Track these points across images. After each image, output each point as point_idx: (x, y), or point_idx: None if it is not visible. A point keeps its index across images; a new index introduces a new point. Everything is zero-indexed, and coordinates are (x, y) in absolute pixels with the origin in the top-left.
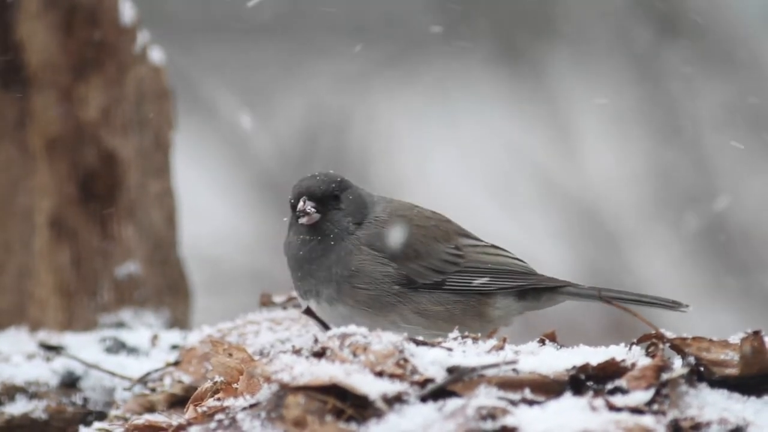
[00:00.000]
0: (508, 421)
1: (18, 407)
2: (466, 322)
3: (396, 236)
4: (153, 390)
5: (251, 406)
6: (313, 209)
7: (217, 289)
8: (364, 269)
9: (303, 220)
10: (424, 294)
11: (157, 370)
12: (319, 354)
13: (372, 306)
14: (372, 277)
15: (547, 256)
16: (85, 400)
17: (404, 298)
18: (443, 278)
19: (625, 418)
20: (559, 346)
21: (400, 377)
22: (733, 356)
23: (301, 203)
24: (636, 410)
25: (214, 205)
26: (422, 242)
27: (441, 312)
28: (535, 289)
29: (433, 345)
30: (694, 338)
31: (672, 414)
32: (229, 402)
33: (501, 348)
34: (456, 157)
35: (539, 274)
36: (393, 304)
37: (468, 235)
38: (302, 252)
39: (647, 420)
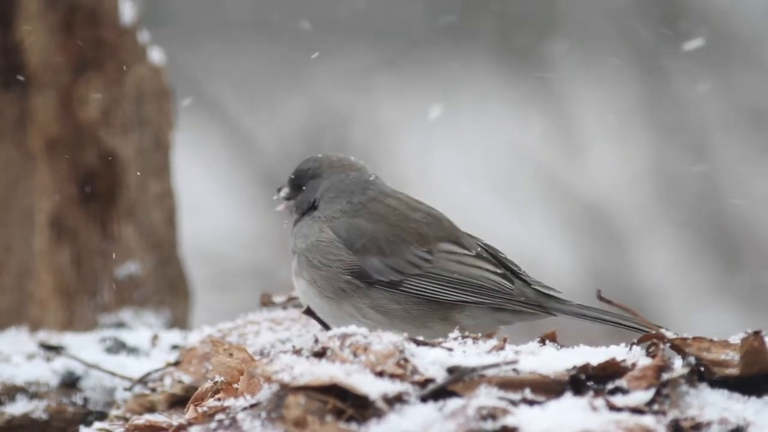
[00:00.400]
0: (508, 421)
1: (18, 407)
2: (428, 324)
3: (361, 228)
4: (153, 390)
5: (252, 406)
6: (283, 196)
7: (219, 287)
8: (319, 247)
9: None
10: (380, 290)
11: (157, 370)
12: (320, 354)
13: (326, 288)
14: (326, 257)
15: (549, 255)
16: (86, 400)
17: (358, 290)
18: (401, 279)
19: (626, 418)
20: (559, 346)
21: (401, 377)
22: (733, 356)
23: (283, 189)
24: (636, 410)
25: (216, 203)
26: (389, 240)
27: (398, 311)
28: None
29: (433, 345)
30: (694, 338)
31: (672, 414)
32: (230, 402)
33: (501, 348)
34: (458, 156)
35: (512, 293)
36: (346, 292)
37: (456, 242)
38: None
39: (648, 420)
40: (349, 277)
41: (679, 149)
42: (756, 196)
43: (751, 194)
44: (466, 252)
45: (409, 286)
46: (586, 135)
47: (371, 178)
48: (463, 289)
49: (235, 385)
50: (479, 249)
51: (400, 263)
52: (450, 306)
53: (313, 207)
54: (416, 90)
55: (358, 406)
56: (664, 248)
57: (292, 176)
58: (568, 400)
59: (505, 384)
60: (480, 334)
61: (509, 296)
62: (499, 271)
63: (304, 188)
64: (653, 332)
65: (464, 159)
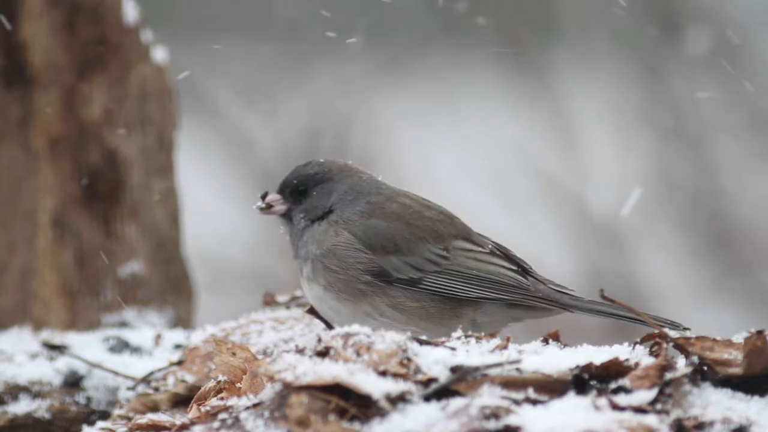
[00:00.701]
0: (511, 420)
1: (21, 406)
2: (445, 322)
3: (379, 228)
4: (156, 389)
5: (254, 405)
6: (274, 203)
7: (220, 287)
8: (336, 251)
9: (260, 212)
10: (399, 288)
11: (160, 370)
12: (323, 353)
13: (343, 291)
14: (344, 261)
15: (549, 255)
16: (89, 399)
17: (377, 289)
18: (421, 276)
19: (629, 417)
20: (562, 346)
21: (404, 376)
22: (736, 355)
23: (269, 196)
24: (639, 410)
25: (218, 203)
26: (406, 238)
27: (417, 309)
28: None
29: (436, 344)
30: (697, 337)
31: (675, 413)
32: (233, 401)
33: (504, 347)
34: (458, 156)
35: (530, 289)
36: (364, 292)
37: (469, 239)
38: (290, 233)
39: (650, 419)
40: (369, 277)
41: (678, 150)
42: (756, 195)
43: (751, 195)
44: (480, 249)
45: (428, 283)
46: (587, 135)
47: (380, 179)
48: (482, 285)
49: (238, 385)
50: (491, 246)
51: (418, 261)
52: (467, 303)
53: (329, 211)
54: (417, 90)
55: (361, 406)
56: (663, 248)
57: (295, 182)
58: (571, 399)
59: (508, 383)
60: (483, 333)
61: (527, 292)
62: (513, 267)
63: (314, 193)
64: (656, 332)
65: (464, 159)
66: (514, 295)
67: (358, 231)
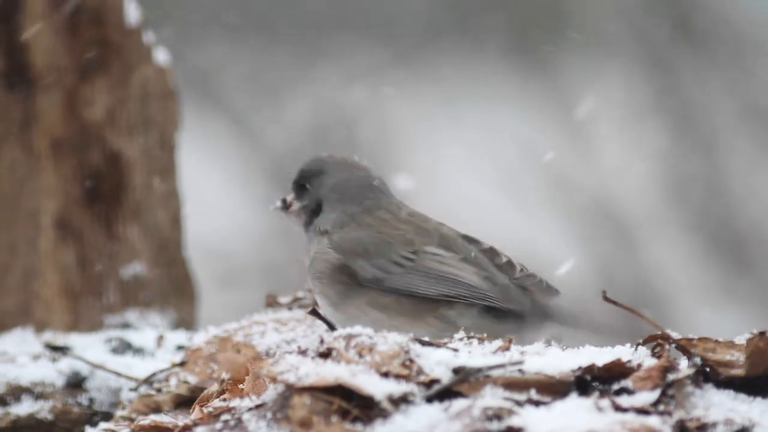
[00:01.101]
0: (513, 421)
1: (24, 408)
2: (424, 322)
3: (350, 234)
4: (159, 390)
5: (257, 406)
6: (290, 200)
7: (226, 284)
8: (317, 258)
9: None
10: (371, 288)
11: (162, 371)
12: (325, 355)
13: (331, 295)
14: (322, 265)
15: (557, 254)
16: (91, 400)
17: (357, 291)
18: (386, 276)
19: (631, 418)
20: (564, 347)
21: (406, 378)
22: (738, 357)
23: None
24: (642, 411)
25: (225, 201)
26: (375, 243)
27: (391, 303)
28: (512, 312)
29: (438, 345)
30: (699, 339)
31: (678, 415)
32: (235, 402)
33: (507, 348)
34: (466, 154)
35: (491, 291)
36: (347, 294)
37: (444, 247)
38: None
39: (653, 421)
40: (340, 277)
41: (688, 149)
42: (765, 196)
43: (761, 195)
44: (452, 255)
45: (391, 282)
46: (595, 134)
47: (375, 183)
48: (440, 284)
49: (241, 386)
50: (473, 255)
51: (384, 263)
52: (442, 304)
53: (319, 206)
54: (424, 87)
55: (364, 407)
56: (672, 248)
57: (296, 178)
58: (574, 400)
59: (511, 384)
60: (485, 335)
61: (484, 293)
62: (484, 273)
63: (308, 187)
64: (659, 332)
65: (472, 157)
66: (470, 292)
67: (335, 238)
